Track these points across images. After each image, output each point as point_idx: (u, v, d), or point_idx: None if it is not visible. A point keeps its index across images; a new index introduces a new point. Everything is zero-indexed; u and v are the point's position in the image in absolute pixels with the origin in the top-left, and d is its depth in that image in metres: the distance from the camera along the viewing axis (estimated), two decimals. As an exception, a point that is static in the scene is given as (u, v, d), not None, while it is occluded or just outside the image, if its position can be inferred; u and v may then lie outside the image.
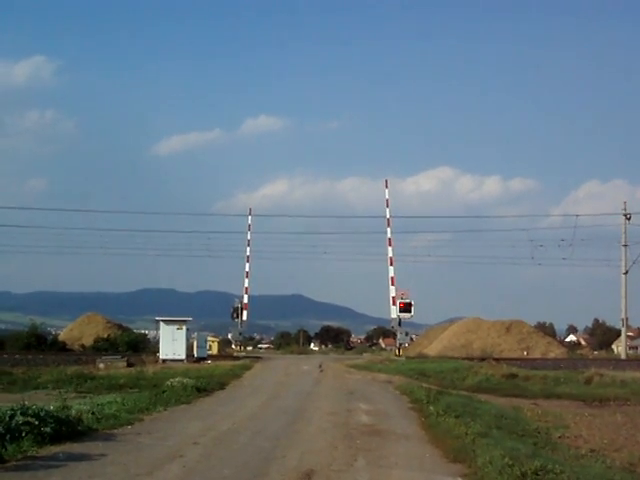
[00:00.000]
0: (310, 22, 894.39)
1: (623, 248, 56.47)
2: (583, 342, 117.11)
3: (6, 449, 12.06)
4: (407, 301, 49.66)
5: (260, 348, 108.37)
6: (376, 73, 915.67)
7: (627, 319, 57.71)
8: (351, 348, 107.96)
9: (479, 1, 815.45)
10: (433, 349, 68.37)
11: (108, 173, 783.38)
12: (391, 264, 51.87)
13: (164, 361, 41.60)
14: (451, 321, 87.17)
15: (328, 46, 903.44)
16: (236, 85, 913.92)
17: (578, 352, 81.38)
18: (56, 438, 13.50)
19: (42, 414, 13.56)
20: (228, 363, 41.21)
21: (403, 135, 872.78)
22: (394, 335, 55.14)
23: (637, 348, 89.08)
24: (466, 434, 15.08)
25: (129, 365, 40.02)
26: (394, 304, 50.18)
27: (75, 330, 67.24)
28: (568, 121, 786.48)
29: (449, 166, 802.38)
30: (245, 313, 53.88)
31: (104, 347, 54.36)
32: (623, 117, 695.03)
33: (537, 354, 64.23)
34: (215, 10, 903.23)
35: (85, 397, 23.94)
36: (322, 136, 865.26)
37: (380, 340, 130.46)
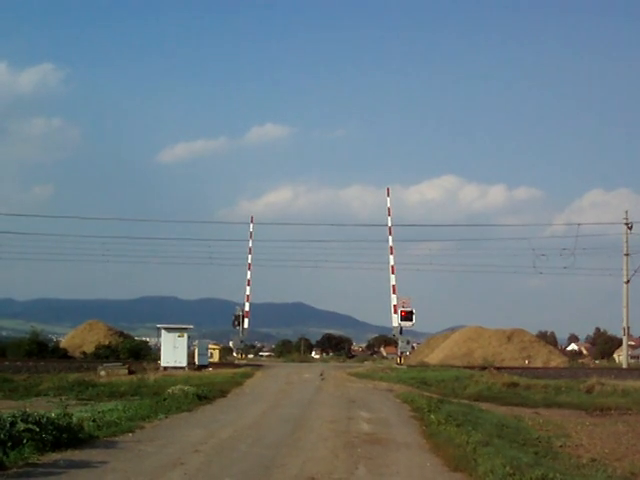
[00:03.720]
0: (318, 31, 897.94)
1: (625, 257, 56.46)
2: (584, 351, 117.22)
3: (7, 456, 12.07)
4: (408, 309, 49.63)
5: (261, 356, 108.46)
6: (382, 82, 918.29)
7: (628, 328, 57.60)
8: (352, 356, 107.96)
9: (486, 7, 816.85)
10: (434, 358, 68.32)
11: (113, 181, 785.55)
12: (393, 272, 51.85)
13: (165, 369, 41.57)
14: (452, 330, 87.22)
15: (335, 55, 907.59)
16: (244, 93, 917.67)
17: (579, 361, 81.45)
18: (57, 445, 13.52)
19: (43, 421, 13.57)
20: (229, 371, 41.17)
21: (408, 144, 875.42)
22: (395, 343, 55.04)
23: (639, 357, 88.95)
24: (467, 443, 15.06)
25: (130, 372, 39.97)
26: (395, 312, 50.15)
27: (76, 337, 67.30)
28: (574, 129, 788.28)
29: (454, 175, 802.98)
30: (246, 321, 53.87)
31: (105, 354, 54.38)
32: (629, 125, 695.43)
33: (538, 363, 64.19)
34: (223, 19, 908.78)
35: (86, 404, 23.94)
36: (327, 144, 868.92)
37: (381, 348, 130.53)
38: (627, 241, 56.41)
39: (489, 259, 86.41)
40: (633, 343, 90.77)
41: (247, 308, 54.23)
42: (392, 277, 51.71)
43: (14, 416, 13.30)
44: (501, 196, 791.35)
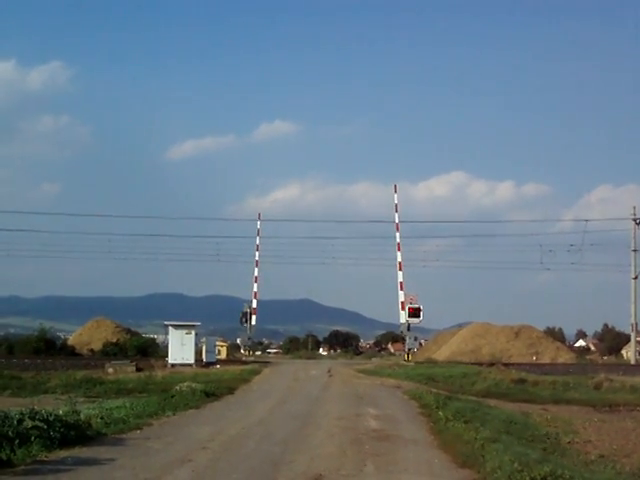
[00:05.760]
0: (325, 28, 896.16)
1: (633, 253, 56.31)
2: (592, 347, 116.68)
3: (15, 453, 12.08)
4: (416, 306, 49.66)
5: (269, 353, 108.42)
6: (389, 79, 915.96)
7: (637, 324, 57.38)
8: (360, 353, 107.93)
9: (489, 5, 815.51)
10: (442, 354, 68.21)
11: (121, 178, 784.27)
12: (400, 269, 51.88)
13: (173, 366, 41.64)
14: (460, 326, 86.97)
15: (342, 51, 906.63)
16: (253, 90, 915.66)
17: (587, 357, 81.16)
18: (65, 442, 13.52)
19: (51, 418, 13.58)
20: (237, 368, 41.23)
21: (416, 140, 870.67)
22: (403, 340, 55.07)
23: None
24: (475, 439, 15.03)
25: (138, 370, 40.06)
26: (403, 309, 50.18)
27: (84, 335, 67.39)
28: (582, 125, 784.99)
29: (462, 171, 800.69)
30: (254, 318, 53.97)
31: (113, 352, 54.44)
32: (637, 121, 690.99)
33: (546, 359, 64.03)
34: (231, 16, 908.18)
35: (94, 402, 23.92)
36: (335, 141, 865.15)
37: (389, 345, 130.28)
38: (635, 237, 56.30)
39: (497, 255, 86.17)
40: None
41: (254, 305, 54.31)
42: (399, 274, 51.77)
43: (22, 413, 13.33)
44: (509, 192, 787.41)
